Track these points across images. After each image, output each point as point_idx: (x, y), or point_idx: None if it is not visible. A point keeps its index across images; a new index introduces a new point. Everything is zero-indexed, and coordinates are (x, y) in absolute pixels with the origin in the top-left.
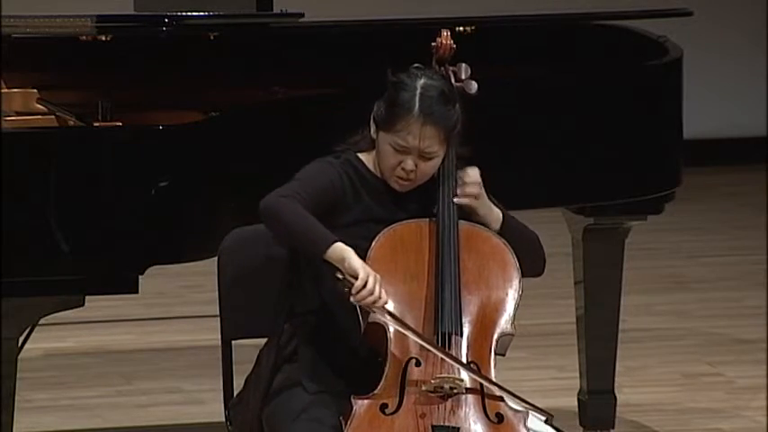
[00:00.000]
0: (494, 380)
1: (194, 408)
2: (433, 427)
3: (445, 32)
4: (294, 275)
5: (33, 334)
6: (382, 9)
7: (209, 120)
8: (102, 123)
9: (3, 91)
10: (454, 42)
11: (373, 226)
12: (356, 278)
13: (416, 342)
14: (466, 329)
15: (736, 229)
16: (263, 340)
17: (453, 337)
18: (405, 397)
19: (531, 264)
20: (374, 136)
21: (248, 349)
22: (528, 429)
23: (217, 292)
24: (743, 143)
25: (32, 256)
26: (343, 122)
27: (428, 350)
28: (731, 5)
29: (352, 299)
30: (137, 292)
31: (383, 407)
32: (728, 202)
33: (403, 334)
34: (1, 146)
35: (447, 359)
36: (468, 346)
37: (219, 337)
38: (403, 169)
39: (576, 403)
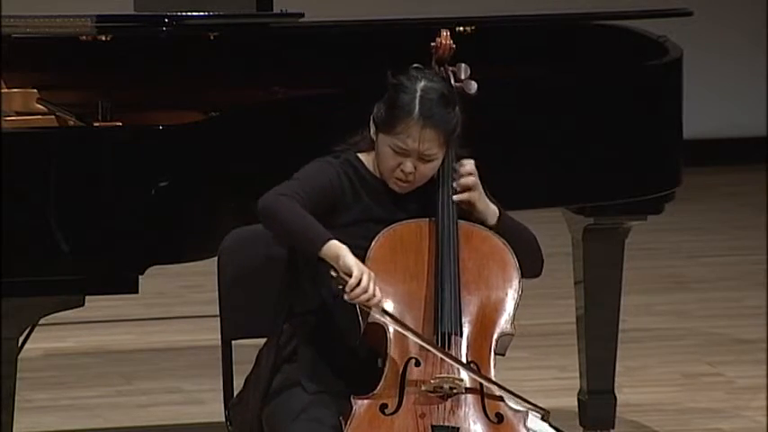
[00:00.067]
0: (493, 379)
1: (194, 408)
2: (432, 427)
3: (445, 32)
4: (293, 275)
5: (33, 334)
6: (382, 9)
7: (209, 120)
8: (102, 123)
9: (3, 91)
10: (454, 42)
11: (373, 226)
12: (350, 276)
13: (416, 342)
14: (466, 329)
15: (736, 229)
16: (263, 340)
17: (453, 337)
18: (404, 397)
19: (530, 264)
20: (374, 137)
21: (248, 349)
22: (528, 429)
23: (217, 292)
24: (743, 143)
25: (32, 256)
26: (342, 123)
27: (428, 350)
28: (731, 5)
29: (346, 296)
30: (137, 292)
31: (383, 407)
32: (728, 202)
33: (402, 334)
34: (1, 146)
35: (446, 359)
36: (467, 346)
37: (219, 337)
38: (402, 171)
39: (576, 403)
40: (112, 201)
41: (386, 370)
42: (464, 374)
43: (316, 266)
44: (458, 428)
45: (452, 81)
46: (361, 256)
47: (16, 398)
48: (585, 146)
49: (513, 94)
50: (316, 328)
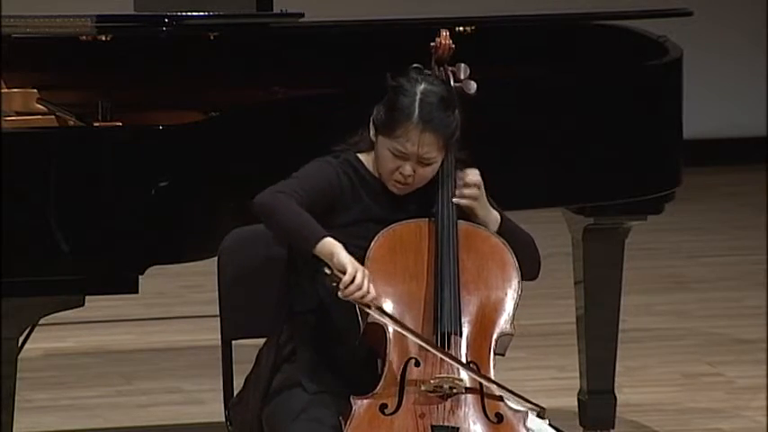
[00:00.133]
0: (492, 378)
1: (194, 408)
2: (432, 427)
3: (444, 32)
4: (293, 275)
5: (33, 334)
6: (382, 9)
7: (209, 120)
8: (102, 123)
9: (3, 91)
10: (454, 42)
11: (372, 226)
12: (345, 273)
13: (416, 342)
14: (465, 329)
15: (736, 229)
16: (263, 340)
17: (453, 337)
18: (404, 397)
19: (528, 267)
20: (373, 139)
21: (248, 349)
22: (527, 429)
23: (217, 292)
24: (743, 143)
25: (32, 256)
26: (342, 123)
27: (427, 350)
28: (731, 5)
29: (340, 294)
30: (137, 292)
31: (383, 407)
32: (728, 202)
33: (402, 334)
34: (1, 146)
35: (446, 359)
36: (467, 346)
37: (219, 337)
38: (401, 174)
39: (576, 403)
40: (112, 201)
41: (385, 370)
42: (464, 374)
43: (315, 266)
44: (457, 428)
45: (452, 81)
46: (361, 256)
47: (16, 398)
48: (585, 146)
49: (513, 94)
50: (315, 328)
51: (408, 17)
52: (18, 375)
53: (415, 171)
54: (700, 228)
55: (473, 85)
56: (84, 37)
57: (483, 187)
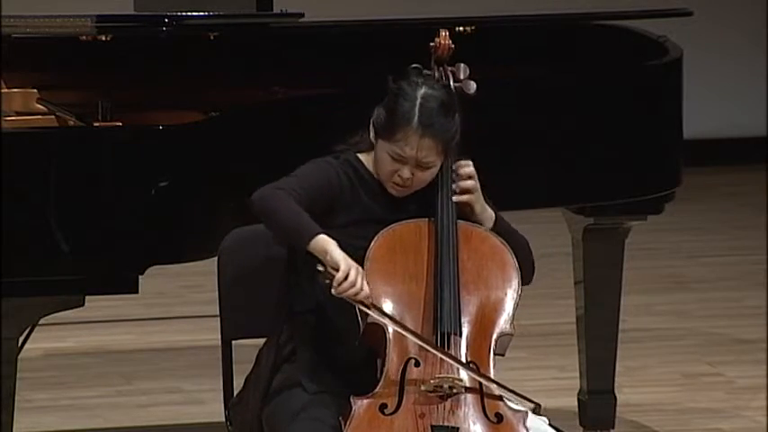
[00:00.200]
0: (491, 377)
1: (194, 408)
2: (432, 427)
3: (444, 32)
4: (293, 275)
5: (33, 334)
6: (382, 9)
7: (209, 120)
8: (102, 123)
9: (3, 91)
10: (453, 42)
11: (372, 226)
12: (338, 270)
13: (415, 342)
14: (465, 329)
15: (736, 229)
16: (263, 340)
17: (452, 337)
18: (404, 397)
19: (523, 270)
20: (373, 141)
21: (248, 349)
22: (527, 429)
23: (217, 292)
24: (743, 143)
25: (32, 256)
26: (343, 122)
27: (427, 350)
28: (731, 5)
29: (333, 291)
30: (137, 292)
31: (382, 407)
32: (728, 202)
33: (402, 334)
34: (1, 146)
35: (445, 358)
36: (467, 347)
37: (219, 337)
38: (399, 177)
39: (576, 403)
40: (112, 201)
41: (385, 370)
42: (463, 374)
43: (314, 265)
44: (457, 428)
45: (452, 81)
46: (361, 257)
47: (16, 398)
48: (585, 146)
49: (513, 94)
50: (315, 328)
51: (408, 17)
52: (18, 375)
53: (413, 174)
54: (700, 228)
55: (473, 85)
56: (84, 37)
57: (477, 179)
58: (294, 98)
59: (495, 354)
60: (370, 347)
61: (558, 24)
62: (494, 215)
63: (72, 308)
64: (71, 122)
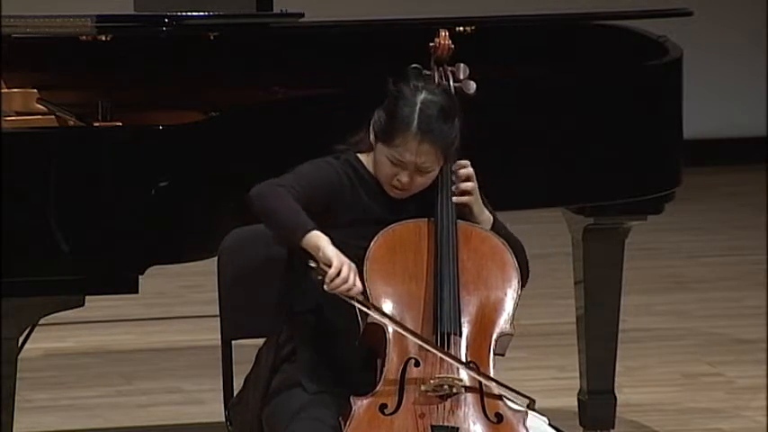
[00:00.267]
0: (491, 375)
1: (194, 408)
2: (432, 427)
3: (443, 32)
4: (293, 275)
5: (33, 334)
6: (382, 9)
7: (209, 120)
8: (102, 123)
9: (3, 91)
10: (453, 42)
11: (372, 226)
12: (330, 267)
13: (415, 342)
14: (465, 329)
15: (736, 229)
16: (263, 340)
17: (452, 337)
18: (404, 397)
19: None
20: (373, 143)
21: (248, 349)
22: (527, 429)
23: (217, 292)
24: (743, 143)
25: (32, 256)
26: (343, 122)
27: (427, 350)
28: (731, 5)
29: (325, 287)
30: (137, 292)
31: (382, 407)
32: (728, 202)
33: (402, 334)
34: (1, 146)
35: (445, 358)
36: (467, 347)
37: (219, 337)
38: (398, 181)
39: (576, 403)
40: (112, 201)
41: (385, 370)
42: (463, 374)
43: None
44: (457, 428)
45: (451, 81)
46: (361, 257)
47: (16, 398)
48: (585, 146)
49: (513, 94)
50: (315, 328)
51: (408, 17)
52: (18, 375)
53: (412, 178)
54: (700, 228)
55: (472, 86)
56: (84, 37)
57: (476, 180)
58: (294, 98)
59: (495, 354)
60: (370, 347)
61: (558, 24)
62: (491, 218)
63: (72, 308)
64: (71, 122)
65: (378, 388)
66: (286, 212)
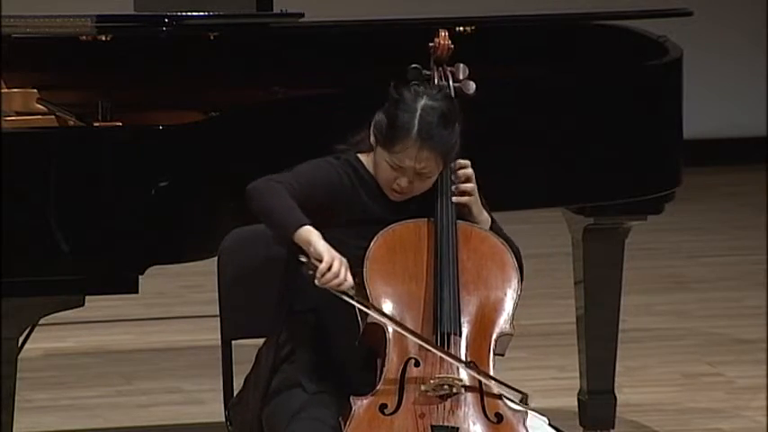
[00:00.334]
0: (491, 374)
1: (194, 408)
2: (432, 427)
3: (443, 33)
4: (293, 275)
5: (33, 334)
6: (382, 9)
7: (209, 120)
8: (102, 123)
9: (3, 91)
10: (453, 42)
11: (372, 226)
12: (321, 261)
13: (415, 342)
14: (465, 329)
15: (736, 229)
16: (263, 340)
17: (452, 337)
18: (404, 397)
19: None
20: (373, 145)
21: (248, 349)
22: (527, 429)
23: (217, 292)
24: (743, 143)
25: (32, 256)
26: (343, 122)
27: (427, 350)
28: (731, 5)
29: (317, 282)
30: (137, 292)
31: (382, 407)
32: (728, 202)
33: (402, 334)
34: (1, 146)
35: (445, 357)
36: (466, 347)
37: (219, 337)
38: (398, 185)
39: (576, 403)
40: (112, 201)
41: (385, 370)
42: (463, 374)
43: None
44: (457, 428)
45: (451, 81)
46: (361, 257)
47: (16, 398)
48: (585, 146)
49: (513, 94)
50: (315, 328)
51: (408, 17)
52: (18, 375)
53: (412, 183)
54: (700, 228)
55: (472, 86)
56: (84, 37)
57: (475, 181)
58: (294, 98)
59: (494, 354)
60: (369, 347)
61: (558, 24)
62: (489, 219)
63: (72, 308)
64: (71, 122)
65: (378, 388)
66: (279, 207)
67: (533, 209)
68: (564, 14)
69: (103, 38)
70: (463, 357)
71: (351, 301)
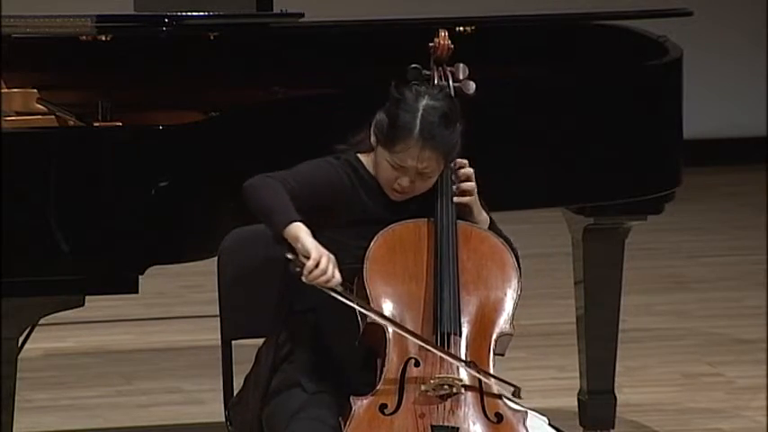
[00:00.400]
0: (490, 373)
1: (194, 408)
2: (432, 427)
3: (443, 33)
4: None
5: (33, 334)
6: (382, 9)
7: (209, 120)
8: (102, 123)
9: (3, 91)
10: (453, 42)
11: (372, 226)
12: (309, 258)
13: (415, 342)
14: (465, 329)
15: (736, 229)
16: (263, 340)
17: (452, 337)
18: (404, 397)
19: None
20: (374, 145)
21: (248, 349)
22: (527, 429)
23: (217, 292)
24: (743, 143)
25: (32, 256)
26: (343, 122)
27: (427, 350)
28: (731, 5)
29: (304, 279)
30: (137, 292)
31: (382, 407)
32: (728, 202)
33: (401, 334)
34: (1, 146)
35: (445, 356)
36: (466, 347)
37: (219, 337)
38: (399, 185)
39: (576, 403)
40: (112, 201)
41: (385, 370)
42: (463, 374)
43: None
44: (457, 428)
45: (451, 81)
46: (361, 257)
47: (16, 398)
48: (585, 146)
49: (512, 94)
50: (315, 328)
51: (408, 17)
52: (18, 375)
53: (413, 182)
54: (700, 228)
55: (472, 86)
56: (84, 37)
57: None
58: (294, 98)
59: (494, 354)
60: (369, 347)
61: (558, 24)
62: (488, 220)
63: (72, 308)
64: (71, 122)
65: (378, 388)
66: (272, 203)
67: (533, 209)
68: (564, 14)
69: (103, 38)
70: (463, 357)
71: (340, 297)
